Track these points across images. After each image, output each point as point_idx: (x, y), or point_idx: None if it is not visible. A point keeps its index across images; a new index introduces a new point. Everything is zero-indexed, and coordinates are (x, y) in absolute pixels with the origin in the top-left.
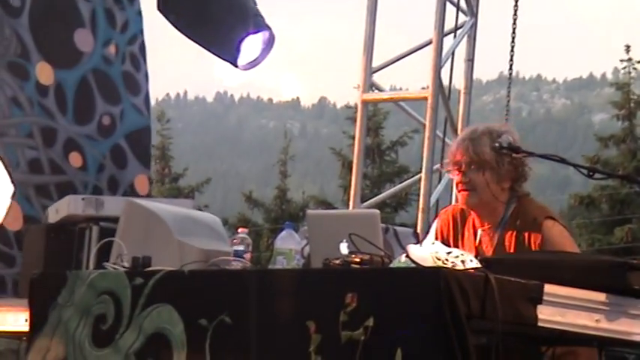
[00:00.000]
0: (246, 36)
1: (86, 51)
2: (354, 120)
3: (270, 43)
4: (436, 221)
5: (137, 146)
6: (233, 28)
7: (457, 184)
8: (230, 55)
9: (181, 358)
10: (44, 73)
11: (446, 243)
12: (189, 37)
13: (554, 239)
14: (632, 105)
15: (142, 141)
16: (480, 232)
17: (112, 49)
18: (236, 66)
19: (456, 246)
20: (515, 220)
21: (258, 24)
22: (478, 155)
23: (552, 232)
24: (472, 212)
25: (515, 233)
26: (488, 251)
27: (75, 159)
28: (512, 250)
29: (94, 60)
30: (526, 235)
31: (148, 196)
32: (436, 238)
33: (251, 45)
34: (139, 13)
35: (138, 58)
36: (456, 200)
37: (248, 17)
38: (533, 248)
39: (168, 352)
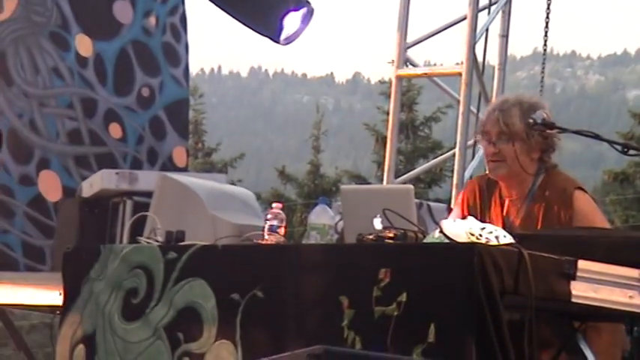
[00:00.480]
0: (287, 12)
1: (125, 23)
2: (388, 95)
3: (308, 17)
4: (462, 192)
5: (176, 118)
6: (274, 3)
7: (486, 155)
8: (271, 31)
9: (212, 332)
10: (83, 44)
11: (473, 213)
12: (227, 13)
13: (584, 210)
14: None
15: (181, 113)
16: (507, 202)
17: (152, 20)
18: (277, 42)
19: (483, 216)
20: (543, 191)
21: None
22: (508, 127)
23: (582, 204)
24: (500, 182)
25: (544, 205)
26: (516, 222)
27: (115, 130)
28: (540, 221)
29: (134, 31)
30: (555, 206)
31: (186, 168)
32: (462, 208)
33: (290, 20)
34: None
35: (179, 29)
36: (489, 171)
37: None
38: (562, 220)
39: (198, 326)
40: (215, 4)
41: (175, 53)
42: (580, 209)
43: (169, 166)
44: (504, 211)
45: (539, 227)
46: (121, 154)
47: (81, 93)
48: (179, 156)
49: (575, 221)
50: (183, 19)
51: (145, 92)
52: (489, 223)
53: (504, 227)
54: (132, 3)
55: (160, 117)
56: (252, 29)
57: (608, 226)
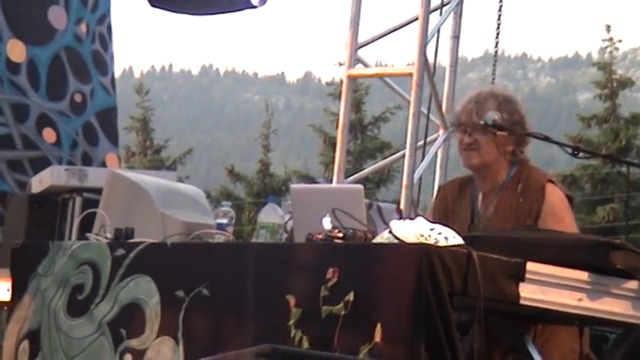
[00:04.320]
0: None
1: (60, 28)
2: (336, 96)
3: None
4: (433, 200)
5: (106, 125)
6: None
7: (460, 145)
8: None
9: (154, 328)
10: (16, 50)
11: (447, 214)
12: (192, 14)
13: (554, 204)
14: (614, 85)
15: (111, 120)
16: (480, 195)
17: (83, 27)
18: (254, 6)
19: (454, 216)
20: (516, 183)
21: None
22: (482, 118)
23: (553, 197)
24: (475, 174)
25: (516, 196)
26: (488, 213)
27: (49, 134)
28: (511, 214)
29: (67, 38)
30: (527, 199)
31: None
32: (433, 216)
33: None
34: None
35: (106, 39)
36: (463, 161)
37: None
38: (532, 213)
39: (141, 322)
40: (178, 11)
41: (104, 62)
42: (550, 204)
43: None
44: (479, 205)
45: (509, 219)
46: (56, 158)
47: (11, 99)
48: (112, 162)
49: (544, 214)
50: (110, 29)
51: (78, 98)
52: (457, 219)
53: (473, 221)
54: (66, 9)
55: (92, 123)
56: (226, 11)
57: (574, 225)
